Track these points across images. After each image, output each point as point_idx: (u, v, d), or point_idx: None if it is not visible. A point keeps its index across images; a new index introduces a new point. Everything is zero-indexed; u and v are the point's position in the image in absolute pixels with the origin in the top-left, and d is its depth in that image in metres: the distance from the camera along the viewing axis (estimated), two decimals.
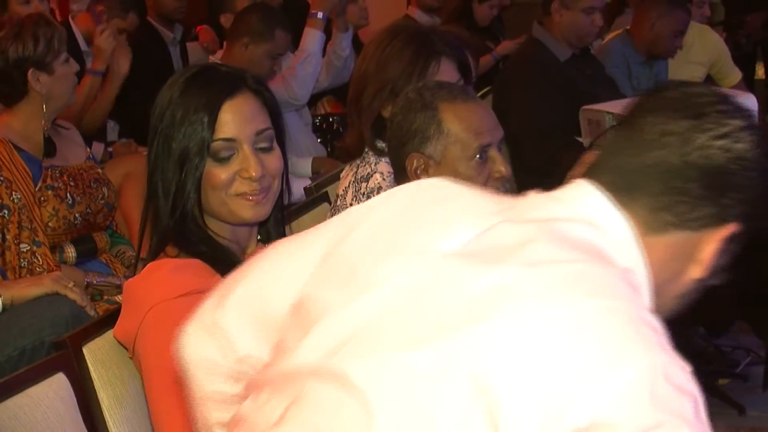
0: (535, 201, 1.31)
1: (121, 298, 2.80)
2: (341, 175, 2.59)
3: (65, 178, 3.01)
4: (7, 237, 2.84)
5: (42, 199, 2.94)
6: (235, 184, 1.82)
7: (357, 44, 4.76)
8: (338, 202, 2.49)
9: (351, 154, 2.63)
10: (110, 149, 4.26)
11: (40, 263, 2.86)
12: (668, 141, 1.26)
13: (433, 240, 1.27)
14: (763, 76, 7.00)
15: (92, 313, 2.61)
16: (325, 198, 2.94)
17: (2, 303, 2.56)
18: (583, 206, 1.27)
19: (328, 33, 4.47)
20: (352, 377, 1.18)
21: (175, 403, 1.66)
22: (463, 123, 2.05)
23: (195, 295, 1.70)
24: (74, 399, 1.81)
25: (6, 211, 2.84)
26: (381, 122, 2.41)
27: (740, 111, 1.30)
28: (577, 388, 1.10)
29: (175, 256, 1.82)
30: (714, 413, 1.15)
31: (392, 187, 2.27)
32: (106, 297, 2.95)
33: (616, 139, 1.33)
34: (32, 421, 1.70)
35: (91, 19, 4.54)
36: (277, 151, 1.88)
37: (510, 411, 1.11)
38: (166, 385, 1.68)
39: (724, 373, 3.79)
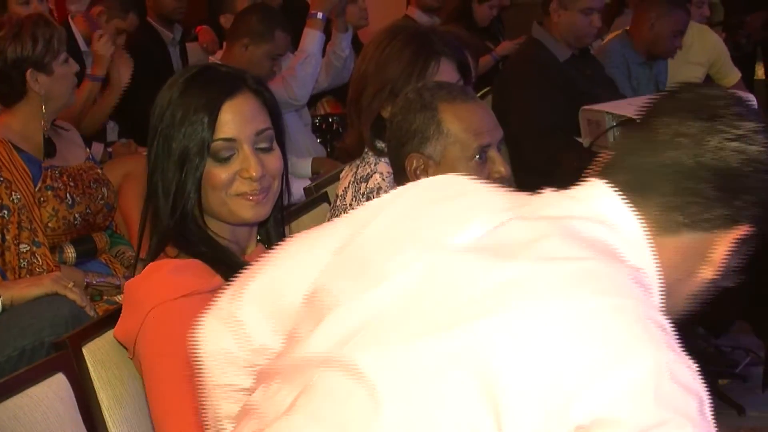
0: (550, 198, 1.33)
1: (120, 299, 2.80)
2: (341, 176, 2.59)
3: (65, 178, 3.01)
4: (7, 237, 2.84)
5: (42, 199, 2.94)
6: (235, 184, 1.82)
7: (357, 44, 4.76)
8: (338, 203, 2.49)
9: (350, 155, 2.63)
10: (110, 149, 4.26)
11: (40, 263, 2.86)
12: (681, 142, 1.27)
13: (446, 234, 1.28)
14: (763, 77, 7.01)
15: (92, 313, 2.61)
16: (325, 198, 2.93)
17: (2, 303, 2.56)
18: (597, 205, 1.28)
19: (327, 33, 4.47)
20: (361, 367, 1.20)
21: (176, 403, 1.66)
22: (463, 123, 2.05)
23: (195, 296, 1.71)
24: (74, 399, 1.81)
25: (6, 212, 2.84)
26: (380, 122, 2.41)
27: (755, 114, 1.31)
28: (581, 384, 1.11)
29: (175, 257, 1.82)
30: (713, 413, 1.15)
31: (392, 187, 2.28)
32: (105, 297, 2.95)
33: (631, 139, 1.34)
34: (32, 421, 1.70)
35: (87, 23, 4.55)
36: (277, 151, 1.88)
37: (513, 405, 1.12)
38: (167, 386, 1.68)
39: (723, 374, 3.79)
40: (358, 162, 2.51)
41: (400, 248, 1.30)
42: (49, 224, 2.95)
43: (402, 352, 1.19)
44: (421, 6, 5.96)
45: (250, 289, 1.48)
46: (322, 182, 3.17)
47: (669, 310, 1.24)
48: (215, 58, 4.31)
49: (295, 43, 4.40)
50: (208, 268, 1.79)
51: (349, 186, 2.47)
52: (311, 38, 4.28)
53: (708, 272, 1.32)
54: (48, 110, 3.01)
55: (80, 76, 3.29)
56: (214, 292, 1.75)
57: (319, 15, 4.30)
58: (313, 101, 4.91)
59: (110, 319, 1.91)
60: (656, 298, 1.26)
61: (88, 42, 4.38)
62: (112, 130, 4.62)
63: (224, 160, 1.81)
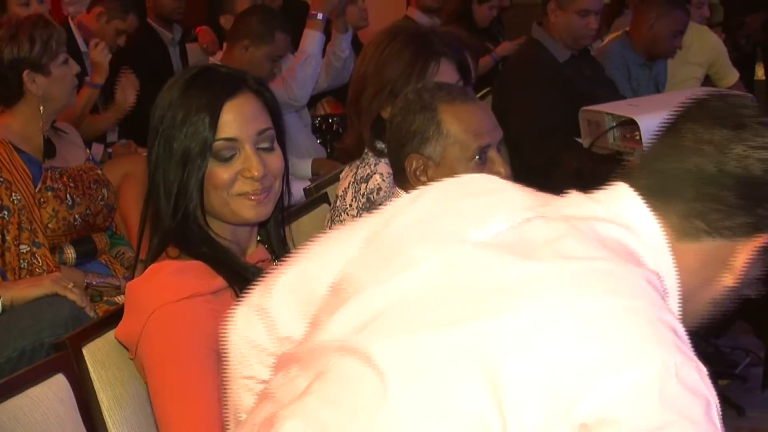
0: (573, 199, 1.34)
1: (120, 299, 2.81)
2: (341, 176, 2.59)
3: (65, 179, 3.01)
4: (7, 238, 2.84)
5: (42, 200, 2.94)
6: (237, 183, 1.82)
7: (356, 45, 4.75)
8: (338, 203, 2.49)
9: (350, 155, 2.63)
10: (110, 150, 4.26)
11: (40, 264, 2.86)
12: (706, 149, 1.28)
13: (466, 229, 1.30)
14: (763, 77, 7.01)
15: (92, 314, 2.61)
16: (325, 199, 2.93)
17: (2, 304, 2.56)
18: (620, 208, 1.29)
19: (327, 34, 4.47)
20: (373, 355, 1.23)
21: (179, 405, 1.66)
22: (463, 124, 2.05)
23: (197, 298, 1.71)
24: (74, 400, 1.81)
25: (6, 212, 2.85)
26: (380, 123, 2.41)
27: None
28: (586, 382, 1.12)
29: (176, 258, 1.82)
30: None
31: (392, 188, 2.29)
32: (105, 298, 2.95)
33: (657, 145, 1.36)
34: (32, 422, 1.70)
35: (84, 26, 4.56)
36: (278, 151, 1.88)
37: (517, 400, 1.13)
38: (171, 388, 1.68)
39: (723, 374, 3.79)
40: (358, 163, 2.51)
41: (420, 241, 1.32)
42: (49, 225, 2.95)
43: (412, 343, 1.22)
44: (421, 7, 5.96)
45: (280, 282, 1.51)
46: (322, 183, 3.17)
47: (689, 316, 1.26)
48: (215, 59, 4.31)
49: (295, 44, 4.40)
50: (210, 269, 1.79)
51: (349, 187, 2.47)
52: (311, 39, 4.28)
53: (728, 280, 1.32)
54: (46, 111, 3.01)
55: (80, 76, 3.29)
56: (216, 293, 1.75)
57: (319, 16, 4.30)
58: (313, 102, 4.91)
59: (110, 320, 1.91)
60: (672, 301, 1.27)
61: (88, 43, 4.39)
62: (112, 131, 4.62)
63: (226, 160, 1.81)
